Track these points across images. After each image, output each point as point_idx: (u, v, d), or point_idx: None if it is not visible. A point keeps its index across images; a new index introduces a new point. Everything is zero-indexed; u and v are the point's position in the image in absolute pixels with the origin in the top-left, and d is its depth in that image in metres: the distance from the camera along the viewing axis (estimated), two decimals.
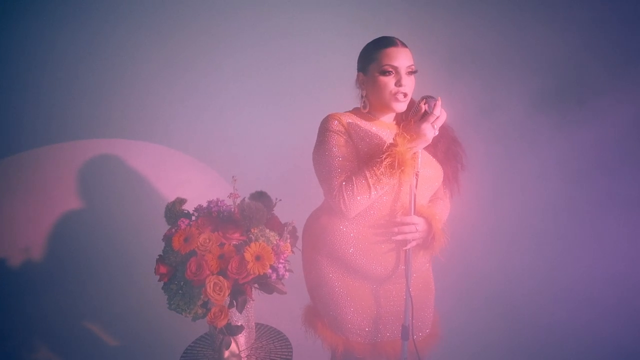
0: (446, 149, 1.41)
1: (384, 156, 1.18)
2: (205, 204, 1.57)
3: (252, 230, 1.44)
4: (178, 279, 1.40)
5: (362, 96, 1.35)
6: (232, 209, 1.53)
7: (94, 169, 2.16)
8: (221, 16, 2.09)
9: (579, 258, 1.90)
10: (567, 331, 1.91)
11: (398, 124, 1.39)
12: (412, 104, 1.32)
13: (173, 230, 1.48)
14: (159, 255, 1.46)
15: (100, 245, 2.18)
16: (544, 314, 1.98)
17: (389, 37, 1.32)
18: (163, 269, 1.40)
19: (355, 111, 1.39)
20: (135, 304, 2.10)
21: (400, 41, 1.31)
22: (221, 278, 1.30)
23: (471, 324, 1.98)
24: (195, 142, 2.25)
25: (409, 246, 1.31)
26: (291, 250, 1.53)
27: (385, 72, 1.26)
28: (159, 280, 1.44)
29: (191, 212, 1.58)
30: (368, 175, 1.21)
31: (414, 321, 1.36)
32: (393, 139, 1.21)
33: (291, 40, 2.13)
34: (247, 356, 1.54)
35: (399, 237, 1.31)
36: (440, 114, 1.17)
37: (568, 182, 1.89)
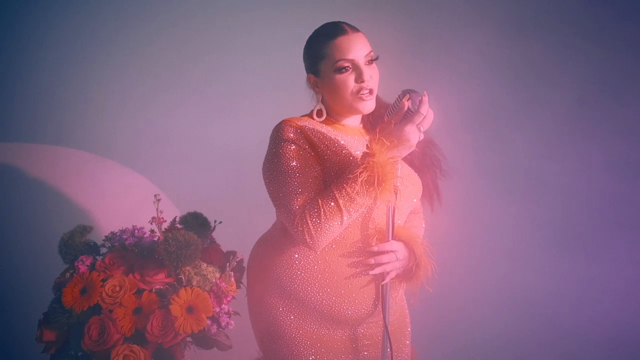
0: (422, 153, 1.24)
1: (359, 170, 0.99)
2: (118, 232, 1.29)
3: (183, 269, 1.12)
4: (72, 347, 1.02)
5: (318, 101, 1.18)
6: (157, 238, 1.27)
7: None
8: (149, 4, 1.87)
9: (591, 284, 1.74)
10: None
11: (366, 127, 1.24)
12: (379, 102, 1.17)
13: (67, 274, 1.10)
14: (43, 315, 1.06)
15: None
16: (542, 341, 1.82)
17: (335, 23, 1.14)
18: (49, 336, 0.99)
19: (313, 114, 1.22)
20: None
21: (349, 25, 1.14)
22: (136, 348, 0.93)
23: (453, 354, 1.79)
24: (113, 148, 1.92)
25: (387, 279, 1.13)
26: (237, 288, 1.27)
27: (341, 70, 1.09)
28: (44, 351, 1.03)
29: (101, 243, 1.29)
30: (337, 195, 1.02)
31: None
32: (367, 146, 1.01)
33: (236, 26, 1.89)
34: None
35: (378, 270, 1.12)
36: (427, 113, 1.00)
37: (573, 187, 1.73)
